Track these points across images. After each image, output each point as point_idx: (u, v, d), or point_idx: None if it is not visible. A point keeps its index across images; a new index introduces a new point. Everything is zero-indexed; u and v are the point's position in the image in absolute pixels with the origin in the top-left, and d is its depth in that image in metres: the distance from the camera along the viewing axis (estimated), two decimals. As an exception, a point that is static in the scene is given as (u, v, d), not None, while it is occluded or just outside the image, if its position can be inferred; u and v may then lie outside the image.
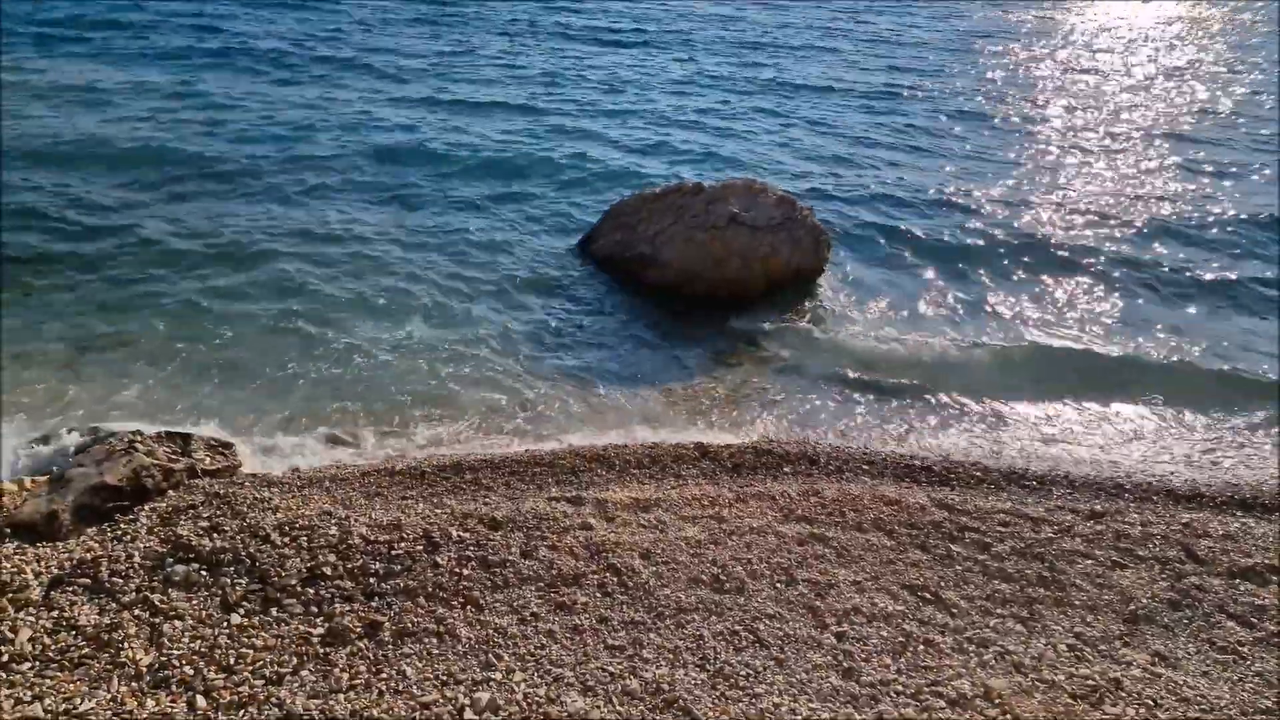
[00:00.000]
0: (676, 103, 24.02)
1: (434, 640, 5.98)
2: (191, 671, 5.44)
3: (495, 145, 18.29)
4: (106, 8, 29.16)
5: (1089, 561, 7.33)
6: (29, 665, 5.31)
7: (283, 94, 20.97)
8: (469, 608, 6.29)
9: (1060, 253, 15.14)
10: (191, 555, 6.25)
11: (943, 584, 6.88)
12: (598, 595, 6.58)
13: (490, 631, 6.11)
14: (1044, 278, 14.22)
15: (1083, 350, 11.81)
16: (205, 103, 19.40)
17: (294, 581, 6.24)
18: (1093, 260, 14.90)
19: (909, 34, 41.43)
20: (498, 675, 5.77)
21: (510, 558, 6.80)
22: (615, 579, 6.75)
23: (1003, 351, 11.63)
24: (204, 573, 6.16)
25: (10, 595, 5.69)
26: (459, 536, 6.91)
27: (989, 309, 13.04)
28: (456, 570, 6.58)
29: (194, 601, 5.95)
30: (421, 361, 10.03)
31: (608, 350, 10.99)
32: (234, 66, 23.44)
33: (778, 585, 6.94)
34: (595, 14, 38.38)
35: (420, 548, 6.74)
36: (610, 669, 5.91)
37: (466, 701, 5.55)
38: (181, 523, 6.55)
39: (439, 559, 6.66)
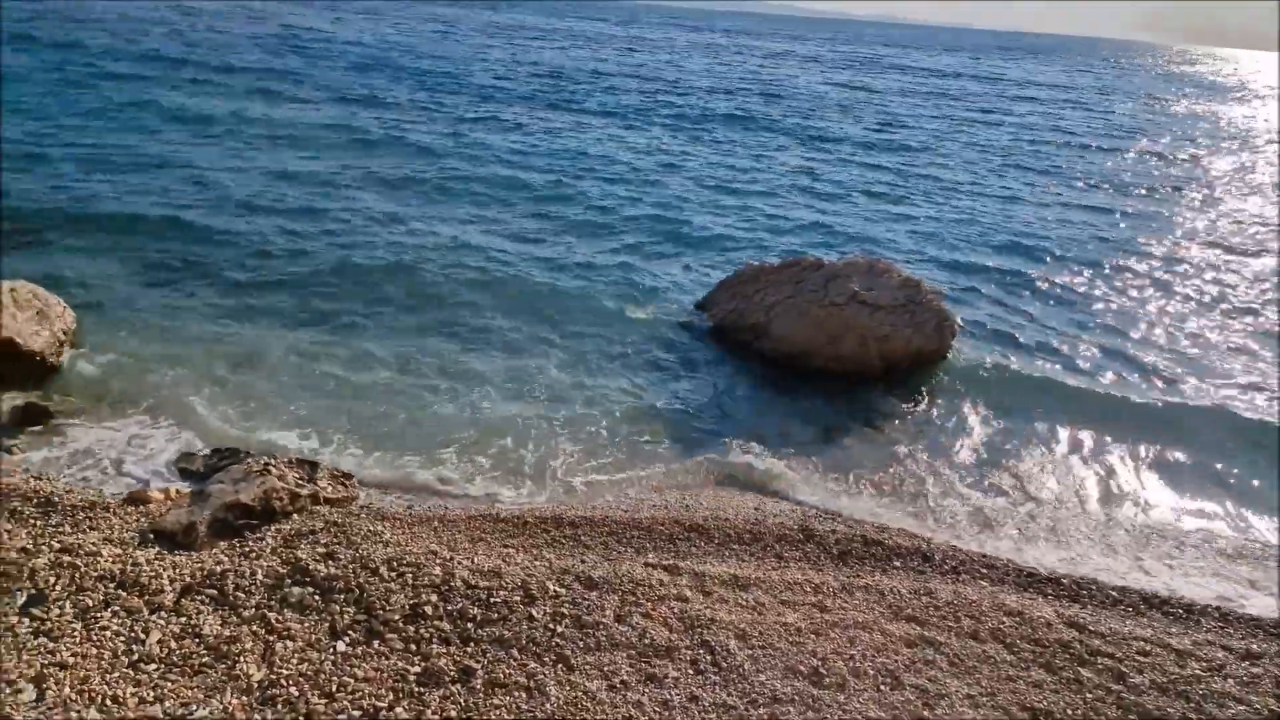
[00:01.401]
0: (797, 181, 24.37)
1: (523, 695, 6.15)
2: (297, 693, 5.80)
3: (616, 205, 19.04)
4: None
5: (1242, 707, 6.79)
6: (155, 667, 5.79)
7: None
8: (560, 666, 6.44)
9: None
10: (308, 579, 6.70)
11: (1070, 712, 6.51)
12: (689, 671, 6.60)
13: (580, 694, 6.22)
14: (1204, 385, 13.47)
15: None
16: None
17: (397, 617, 6.57)
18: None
19: (1062, 121, 40.70)
20: (583, 740, 5.86)
21: (604, 620, 6.93)
22: (709, 657, 6.76)
23: (1145, 459, 11.05)
24: (317, 597, 6.58)
25: (146, 598, 6.25)
26: (555, 591, 7.11)
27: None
28: (551, 626, 6.76)
29: (305, 624, 6.35)
30: (531, 414, 10.45)
31: (713, 417, 11.12)
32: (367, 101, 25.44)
33: (882, 687, 6.76)
34: (715, 91, 39.60)
35: (518, 598, 6.97)
36: (697, 750, 5.90)
37: (550, 763, 5.66)
38: (302, 546, 7.05)
39: (534, 612, 6.87)
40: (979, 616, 7.53)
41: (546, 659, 6.49)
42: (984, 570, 8.47)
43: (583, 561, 7.70)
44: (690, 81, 39.90)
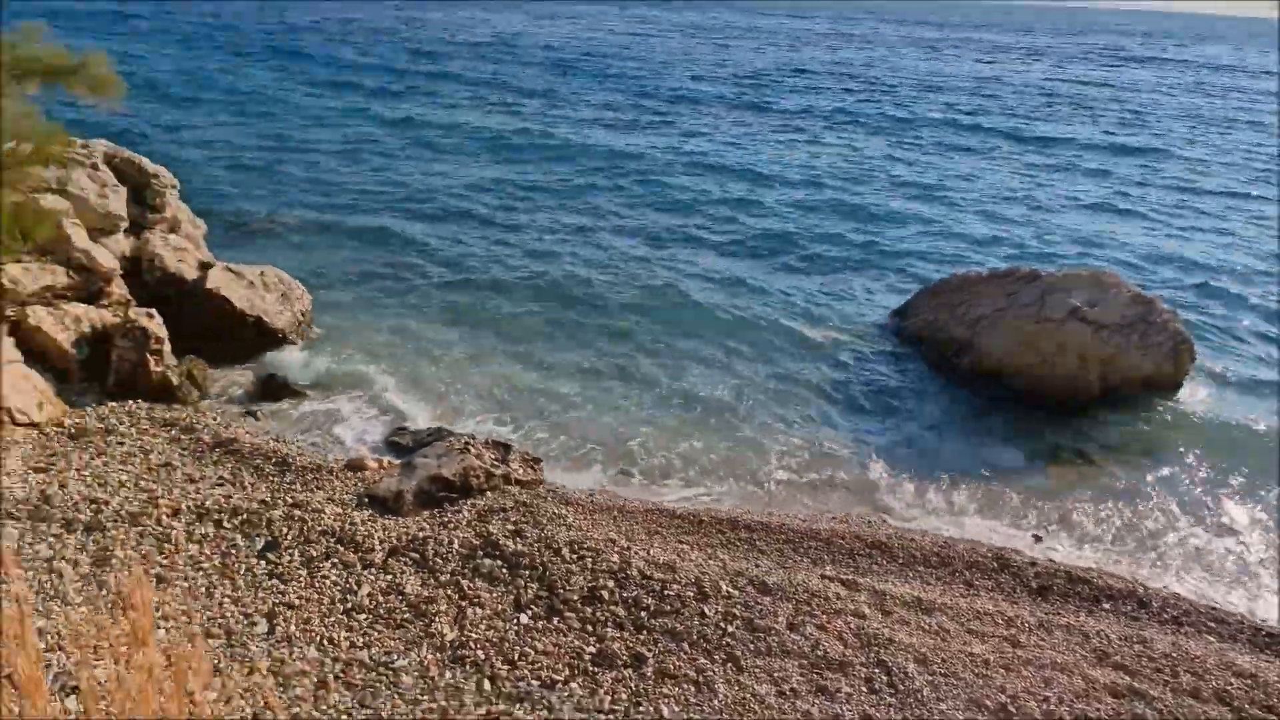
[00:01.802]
0: (1012, 188, 22.94)
1: (692, 688, 6.36)
2: (483, 656, 6.36)
3: (808, 211, 18.90)
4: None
5: None
6: (364, 617, 6.57)
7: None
8: (729, 665, 6.60)
9: None
10: (497, 553, 7.31)
11: (1302, 790, 5.82)
12: (863, 689, 6.53)
13: (748, 695, 6.35)
14: None
15: None
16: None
17: (576, 597, 7.02)
18: None
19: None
20: (749, 741, 5.99)
21: (776, 626, 7.00)
22: (884, 677, 6.65)
23: None
24: (505, 570, 7.17)
25: (359, 554, 7.09)
26: (728, 592, 7.27)
27: None
28: (722, 625, 6.93)
29: (494, 594, 6.94)
30: (723, 413, 10.68)
31: (903, 431, 10.82)
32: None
33: (1077, 735, 6.37)
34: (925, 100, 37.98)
35: (691, 594, 7.20)
36: (867, 771, 5.85)
37: (715, 758, 5.84)
38: (493, 522, 7.69)
39: (706, 609, 7.07)
40: (1202, 674, 6.85)
41: (716, 656, 6.67)
42: (1211, 624, 7.67)
43: (757, 566, 7.80)
44: (898, 81, 38.71)
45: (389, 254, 14.50)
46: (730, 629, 6.90)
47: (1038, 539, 9.03)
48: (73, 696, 5.57)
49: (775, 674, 6.57)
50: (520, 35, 43.22)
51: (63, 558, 6.60)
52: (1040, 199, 21.44)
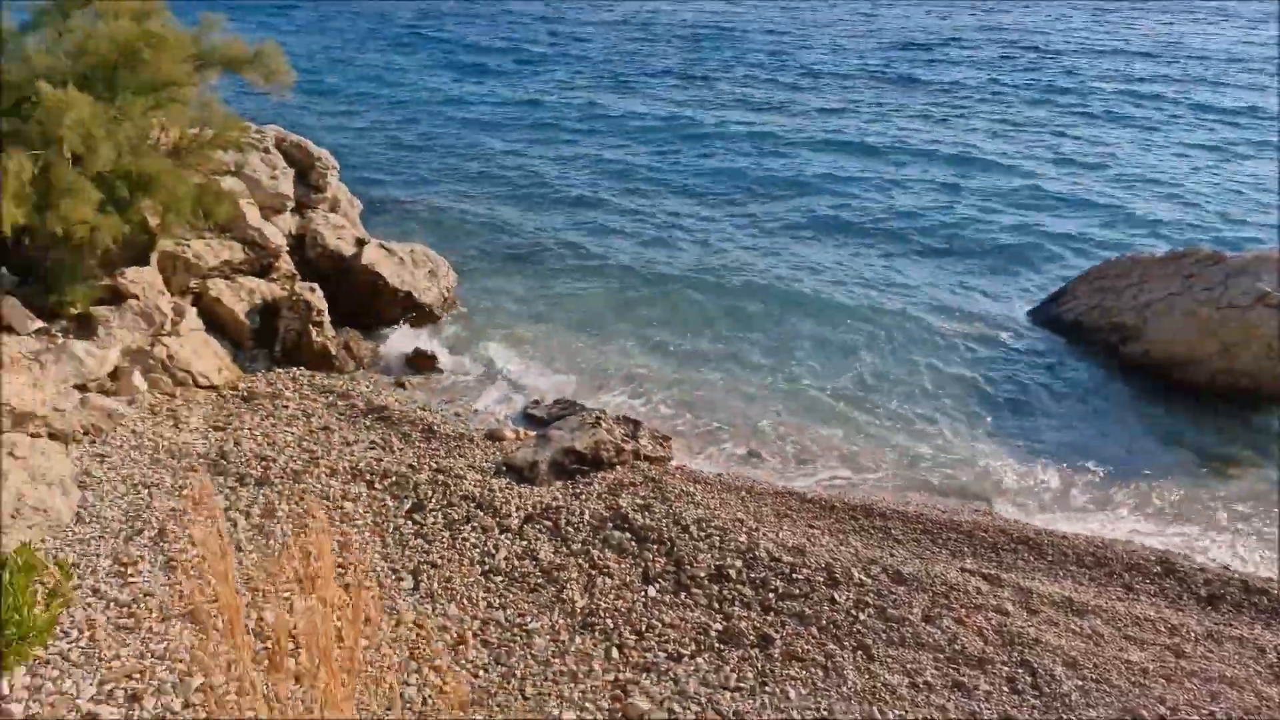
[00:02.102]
0: (1195, 165, 20.97)
1: (820, 673, 6.33)
2: (611, 625, 6.57)
3: (946, 202, 18.03)
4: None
5: None
6: (500, 579, 6.92)
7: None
8: (860, 653, 6.51)
9: None
10: (626, 525, 7.50)
11: None
12: (1004, 688, 6.29)
13: (878, 684, 6.25)
14: None
15: None
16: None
17: (703, 574, 7.11)
18: None
19: None
20: (879, 731, 5.91)
21: (910, 617, 6.84)
22: (1028, 678, 6.38)
23: None
24: (633, 543, 7.35)
25: (497, 520, 7.46)
26: (860, 580, 7.16)
27: None
28: (853, 612, 6.84)
29: (622, 565, 7.14)
30: (856, 399, 10.46)
31: (1059, 422, 10.23)
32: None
33: (1247, 755, 5.91)
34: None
35: (820, 579, 7.14)
36: (1006, 772, 5.66)
37: (843, 744, 5.80)
38: (623, 495, 7.89)
39: (837, 596, 6.99)
40: (1405, 702, 6.17)
41: (846, 643, 6.60)
42: None
43: (892, 555, 7.63)
44: (1063, 46, 36.10)
45: (526, 235, 14.98)
46: (862, 616, 6.81)
47: (1205, 553, 8.35)
48: (245, 635, 6.20)
49: (908, 665, 6.44)
50: (658, 13, 43.31)
51: (236, 509, 7.31)
52: (1223, 177, 19.53)
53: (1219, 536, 8.52)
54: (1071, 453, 9.72)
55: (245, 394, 9.14)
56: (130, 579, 6.55)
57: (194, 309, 9.44)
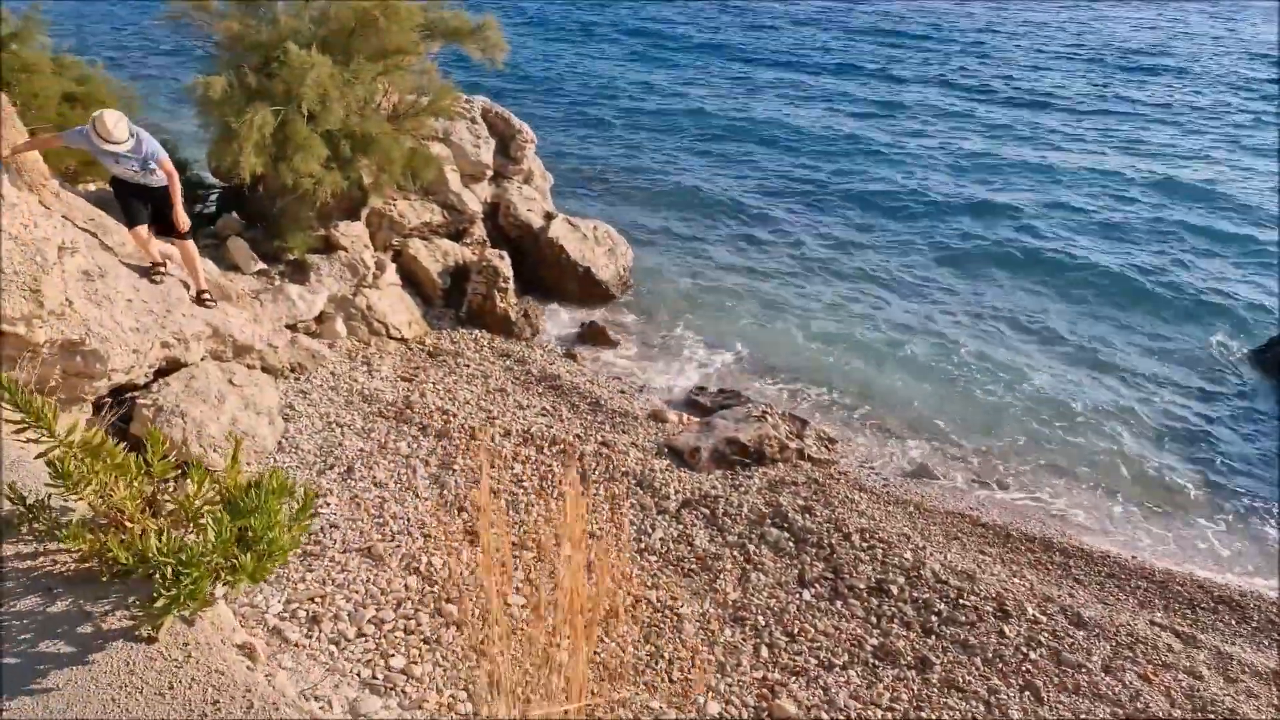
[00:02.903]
0: None
1: (981, 707, 5.92)
2: (763, 622, 6.42)
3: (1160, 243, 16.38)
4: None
5: None
6: (655, 559, 6.91)
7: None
8: (1027, 693, 6.05)
9: None
10: (785, 524, 7.30)
11: None
12: (1189, 759, 5.68)
13: (1045, 730, 5.79)
14: None
15: None
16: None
17: (862, 586, 6.82)
18: None
19: None
20: (1041, 780, 5.46)
21: (1088, 664, 6.28)
22: (1221, 753, 5.73)
23: None
24: (791, 543, 7.15)
25: (656, 500, 7.46)
26: (1034, 616, 6.64)
27: None
28: (1023, 649, 6.36)
29: (778, 564, 6.96)
30: (1044, 421, 9.72)
31: (1269, 477, 9.09)
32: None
33: None
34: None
35: (989, 609, 6.68)
36: None
37: (1001, 788, 5.40)
38: (783, 493, 7.70)
39: (1006, 629, 6.52)
40: None
41: (1012, 681, 6.14)
42: None
43: (1071, 595, 7.04)
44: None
45: (703, 222, 14.89)
46: (1033, 655, 6.31)
47: None
48: (414, 576, 6.51)
49: (1081, 715, 5.92)
50: (853, 8, 41.90)
51: (417, 456, 7.69)
52: None
53: None
54: (1286, 512, 8.63)
55: (431, 349, 9.60)
56: (319, 509, 7.03)
57: (393, 265, 9.99)
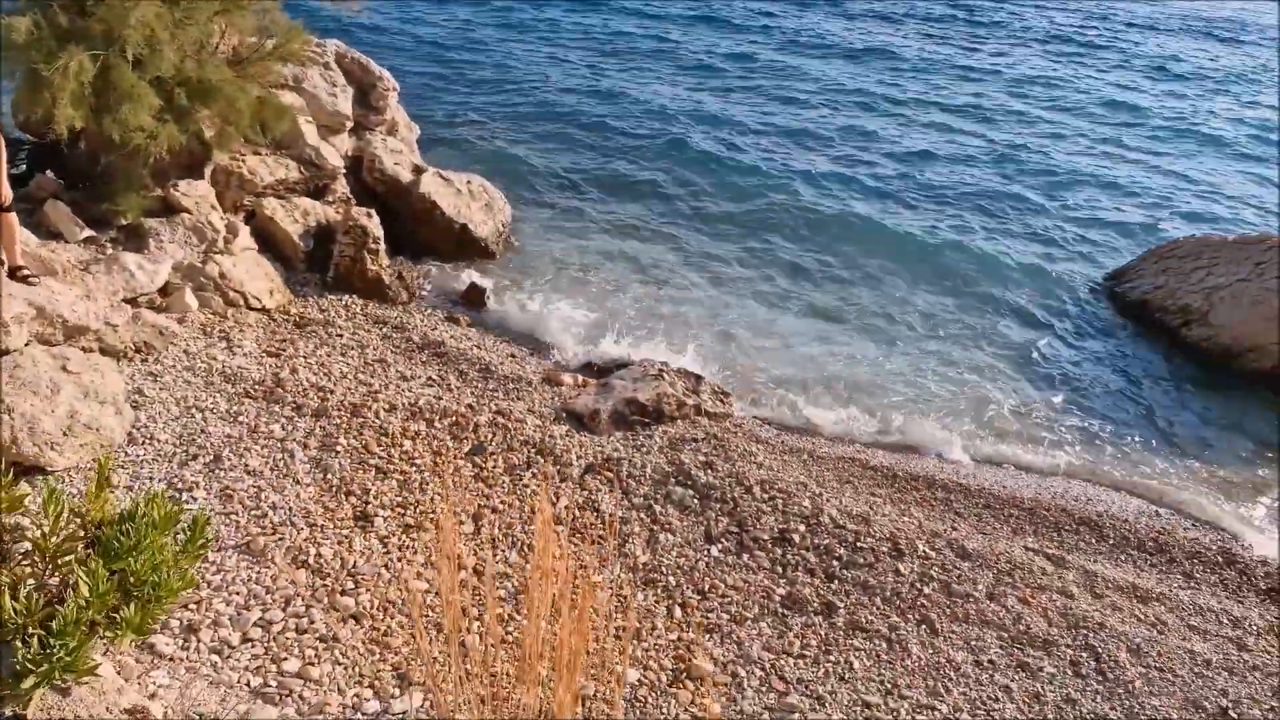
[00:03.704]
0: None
1: (884, 644, 6.15)
2: (674, 582, 6.37)
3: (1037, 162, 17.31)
4: None
5: None
6: (562, 529, 6.70)
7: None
8: (924, 627, 6.33)
9: None
10: (689, 482, 7.26)
11: None
12: (1068, 671, 6.13)
13: (942, 660, 6.08)
14: None
15: None
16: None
17: (766, 537, 6.89)
18: None
19: None
20: (943, 708, 5.74)
21: (975, 594, 6.65)
22: (1092, 662, 6.21)
23: None
24: (696, 500, 7.12)
25: (559, 468, 7.22)
26: (925, 552, 6.95)
27: None
28: (917, 585, 6.64)
29: (684, 523, 6.92)
30: (908, 372, 10.09)
31: (1116, 407, 9.91)
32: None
33: (1312, 755, 5.77)
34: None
35: (885, 549, 6.93)
36: (1072, 758, 5.51)
37: (907, 719, 5.64)
38: (684, 451, 7.64)
39: (901, 567, 6.79)
40: None
41: (910, 616, 6.41)
42: None
43: (954, 529, 7.41)
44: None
45: (586, 176, 14.33)
46: (926, 590, 6.61)
47: (1263, 547, 8.11)
48: (302, 570, 6.00)
49: (972, 642, 6.26)
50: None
51: (293, 439, 7.06)
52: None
53: (1275, 529, 8.27)
54: (1132, 434, 9.43)
55: (297, 319, 8.82)
56: (185, 505, 6.33)
57: (246, 227, 9.05)
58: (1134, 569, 7.35)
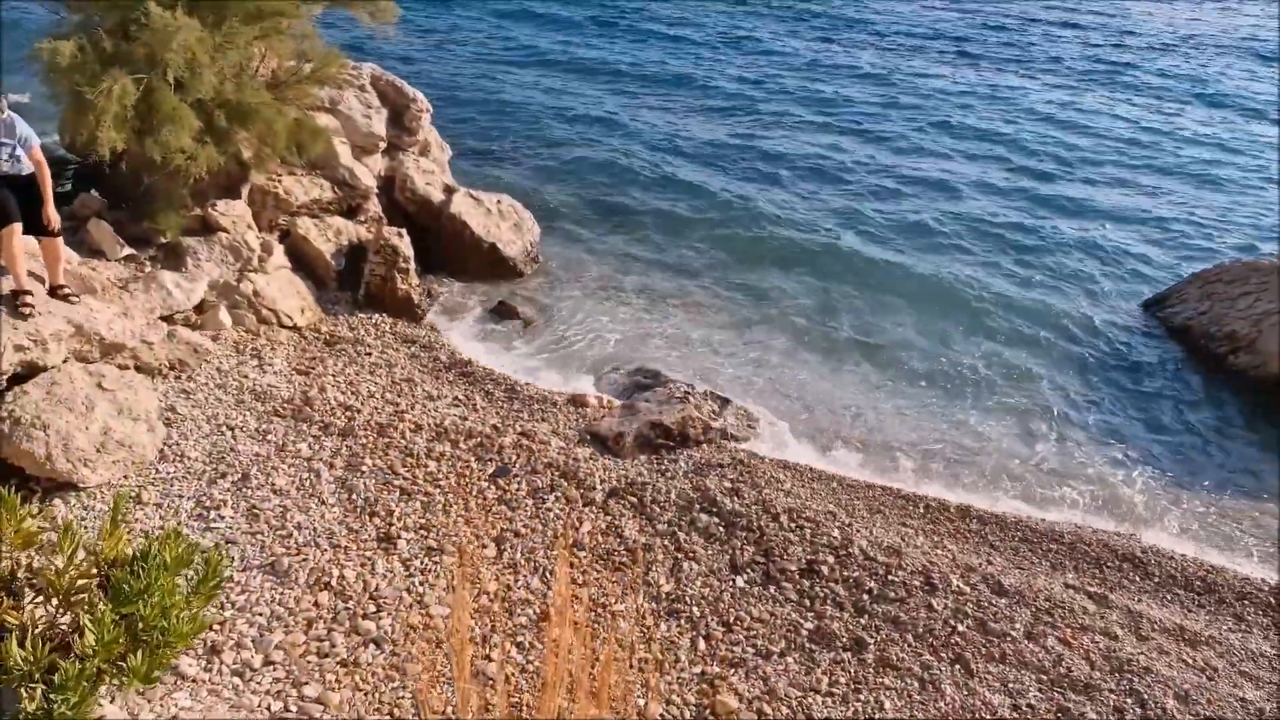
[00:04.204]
0: None
1: (916, 684, 5.91)
2: (698, 614, 6.20)
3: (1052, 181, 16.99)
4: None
5: None
6: (584, 554, 6.57)
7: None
8: (958, 666, 6.07)
9: None
10: (714, 509, 7.09)
11: None
12: (1111, 718, 5.83)
13: (978, 703, 5.82)
14: None
15: None
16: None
17: (793, 568, 6.69)
18: None
19: None
20: (978, 753, 5.49)
21: (1012, 633, 6.37)
22: (1138, 709, 5.90)
23: None
24: (721, 528, 6.95)
25: (582, 491, 7.10)
26: (959, 587, 6.69)
27: None
28: (951, 622, 6.39)
29: (709, 551, 6.75)
30: (943, 399, 9.78)
31: (1161, 437, 9.52)
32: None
33: (1372, 817, 5.40)
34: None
35: (917, 583, 6.68)
36: (1115, 812, 5.22)
37: (941, 765, 5.40)
38: (710, 476, 7.47)
39: (934, 602, 6.54)
40: None
41: (944, 655, 6.16)
42: None
43: (989, 563, 7.14)
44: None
45: (613, 198, 14.20)
46: (960, 627, 6.35)
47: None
48: (325, 592, 5.94)
49: (1009, 685, 5.99)
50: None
51: (320, 459, 7.04)
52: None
53: (1333, 570, 7.85)
54: (1177, 469, 9.03)
55: (327, 338, 8.85)
56: (213, 524, 6.34)
57: (280, 246, 9.13)
58: (1181, 610, 7.00)
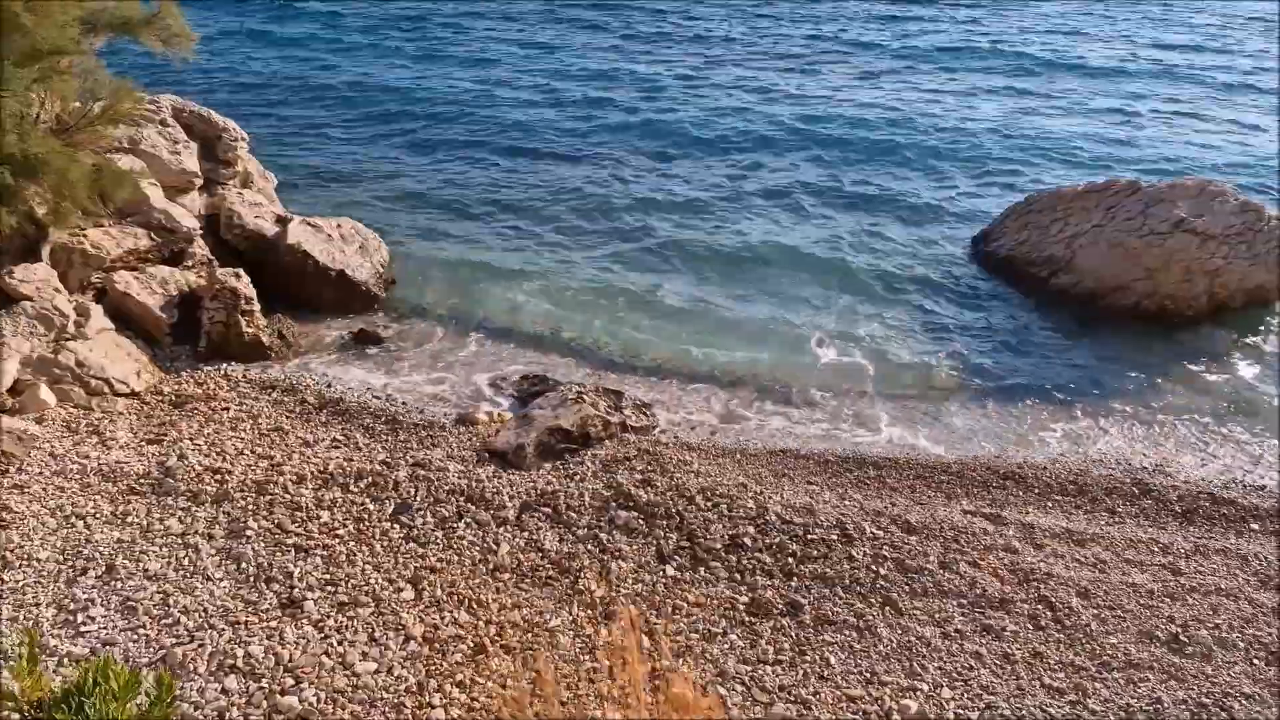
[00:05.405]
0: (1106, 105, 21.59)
1: (854, 634, 6.08)
2: (637, 611, 6.09)
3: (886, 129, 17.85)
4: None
5: None
6: (509, 576, 6.29)
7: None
8: (888, 608, 6.30)
9: None
10: (630, 503, 6.99)
11: None
12: (1029, 626, 6.23)
13: (913, 639, 6.06)
14: None
15: None
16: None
17: (718, 546, 6.71)
18: None
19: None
20: (924, 686, 5.71)
21: (928, 566, 6.69)
22: (1049, 613, 6.35)
23: None
24: (641, 521, 6.86)
25: (492, 512, 6.79)
26: (873, 533, 6.94)
27: None
28: (873, 568, 6.62)
29: (634, 546, 6.64)
30: (809, 352, 10.18)
31: (1005, 360, 10.28)
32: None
33: (1255, 661, 6.07)
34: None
35: (835, 537, 6.88)
36: (1051, 711, 5.58)
37: (893, 705, 5.56)
38: (619, 472, 7.36)
39: (854, 552, 6.75)
40: (1386, 594, 6.49)
41: (872, 600, 6.38)
42: (1381, 541, 7.28)
43: (893, 504, 7.46)
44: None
45: (453, 202, 13.75)
46: (882, 571, 6.60)
47: (1165, 471, 8.58)
48: (232, 676, 5.34)
49: (937, 615, 6.29)
50: None
51: (194, 532, 6.34)
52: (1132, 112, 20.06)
53: (1171, 451, 8.77)
54: (1023, 385, 9.79)
55: (174, 398, 7.99)
56: (83, 628, 5.56)
57: (98, 307, 8.14)
58: (1063, 514, 7.60)
